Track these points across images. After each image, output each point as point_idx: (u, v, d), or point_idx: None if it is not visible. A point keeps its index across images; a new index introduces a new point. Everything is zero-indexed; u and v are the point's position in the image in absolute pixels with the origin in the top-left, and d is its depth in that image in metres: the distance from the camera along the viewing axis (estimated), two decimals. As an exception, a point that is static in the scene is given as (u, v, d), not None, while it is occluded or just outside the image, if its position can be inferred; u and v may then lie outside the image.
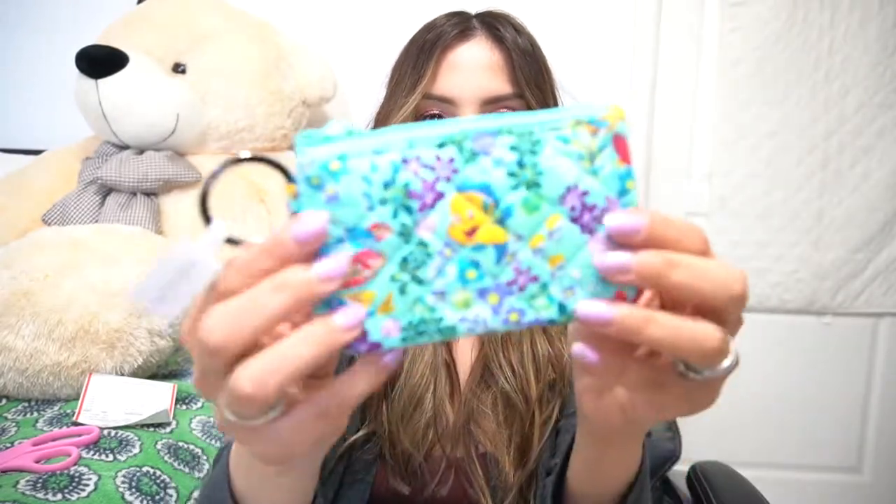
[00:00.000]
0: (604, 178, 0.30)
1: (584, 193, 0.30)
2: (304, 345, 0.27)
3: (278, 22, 1.40)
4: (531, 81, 0.66)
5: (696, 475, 0.98)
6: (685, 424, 1.20)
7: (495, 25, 0.67)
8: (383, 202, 0.29)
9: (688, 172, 1.54)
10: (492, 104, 0.65)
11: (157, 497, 0.77)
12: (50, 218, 1.15)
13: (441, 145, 0.29)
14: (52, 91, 1.49)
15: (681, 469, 1.08)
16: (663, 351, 0.30)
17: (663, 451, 1.00)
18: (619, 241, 0.29)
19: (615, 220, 0.29)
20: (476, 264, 0.30)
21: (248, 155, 0.30)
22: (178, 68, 1.23)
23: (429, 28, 0.69)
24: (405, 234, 0.30)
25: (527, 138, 0.30)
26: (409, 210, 0.29)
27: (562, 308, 0.31)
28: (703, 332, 0.28)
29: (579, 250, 0.30)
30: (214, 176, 0.30)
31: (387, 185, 0.29)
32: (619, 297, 0.30)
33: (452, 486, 0.65)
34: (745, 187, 1.50)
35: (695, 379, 0.30)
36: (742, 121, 1.49)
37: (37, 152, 1.37)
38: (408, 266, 0.30)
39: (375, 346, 0.30)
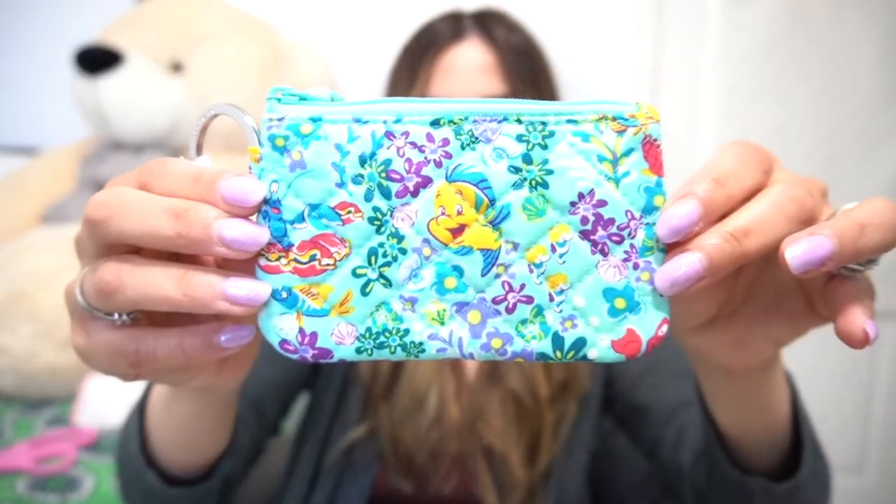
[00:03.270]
0: (627, 187, 0.25)
1: (601, 204, 0.25)
2: (174, 287, 0.24)
3: (278, 21, 1.39)
4: (526, 80, 0.65)
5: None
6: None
7: (488, 25, 0.67)
8: (357, 179, 0.25)
9: (689, 171, 1.53)
10: None
11: (156, 499, 0.77)
12: (48, 218, 1.15)
13: (435, 123, 0.25)
14: (51, 90, 1.49)
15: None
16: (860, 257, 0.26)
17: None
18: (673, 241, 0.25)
19: (665, 223, 0.25)
20: (458, 271, 0.25)
21: (221, 110, 0.27)
22: (177, 67, 1.22)
23: (422, 31, 0.69)
24: (377, 222, 0.25)
25: (538, 129, 0.25)
26: (386, 193, 0.25)
27: (556, 341, 0.26)
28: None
29: (587, 273, 0.25)
30: (200, 130, 0.28)
31: (364, 161, 0.25)
32: (631, 336, 0.26)
33: (456, 484, 0.64)
34: (746, 187, 1.50)
35: (855, 276, 0.28)
36: (744, 120, 1.49)
37: (35, 151, 1.37)
38: (376, 261, 0.25)
39: (324, 354, 0.25)
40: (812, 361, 1.57)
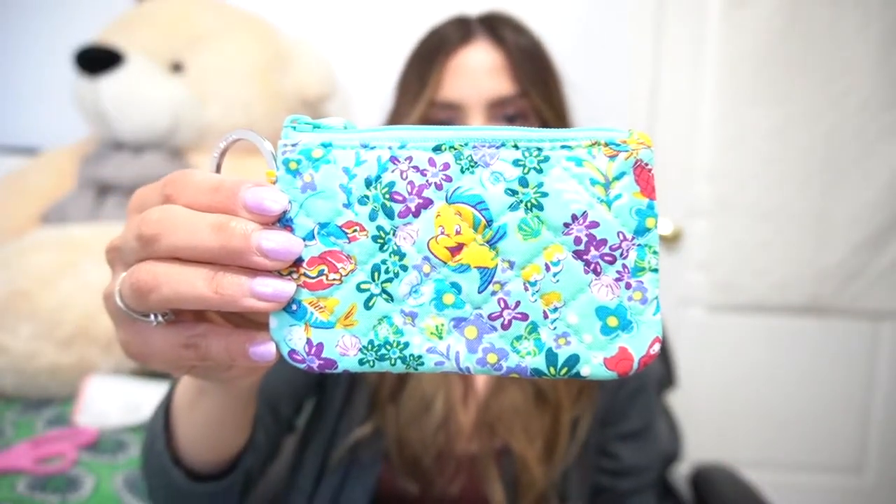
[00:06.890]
0: (618, 210, 0.26)
1: (593, 225, 0.26)
2: (206, 285, 0.26)
3: (278, 21, 1.39)
4: (535, 80, 0.66)
5: (699, 479, 0.97)
6: (686, 424, 1.19)
7: (496, 27, 0.68)
8: (363, 200, 0.27)
9: (689, 172, 1.54)
10: (498, 106, 0.65)
11: (156, 498, 0.77)
12: (48, 218, 1.15)
13: (437, 149, 0.26)
14: (51, 90, 1.49)
15: (682, 470, 1.07)
16: None
17: (663, 450, 0.99)
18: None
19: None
20: (456, 288, 0.27)
21: (242, 135, 0.29)
22: (177, 67, 1.22)
23: (429, 36, 0.70)
24: (381, 240, 0.27)
25: (534, 154, 0.26)
26: (389, 214, 0.27)
27: (550, 357, 0.27)
28: None
29: (580, 292, 0.26)
30: (221, 153, 0.29)
31: (369, 183, 0.26)
32: (623, 354, 0.27)
33: (464, 484, 0.64)
34: (746, 187, 1.49)
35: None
36: (744, 120, 1.49)
37: (35, 151, 1.37)
38: (379, 276, 0.27)
39: (329, 364, 0.27)
40: (812, 361, 1.57)
